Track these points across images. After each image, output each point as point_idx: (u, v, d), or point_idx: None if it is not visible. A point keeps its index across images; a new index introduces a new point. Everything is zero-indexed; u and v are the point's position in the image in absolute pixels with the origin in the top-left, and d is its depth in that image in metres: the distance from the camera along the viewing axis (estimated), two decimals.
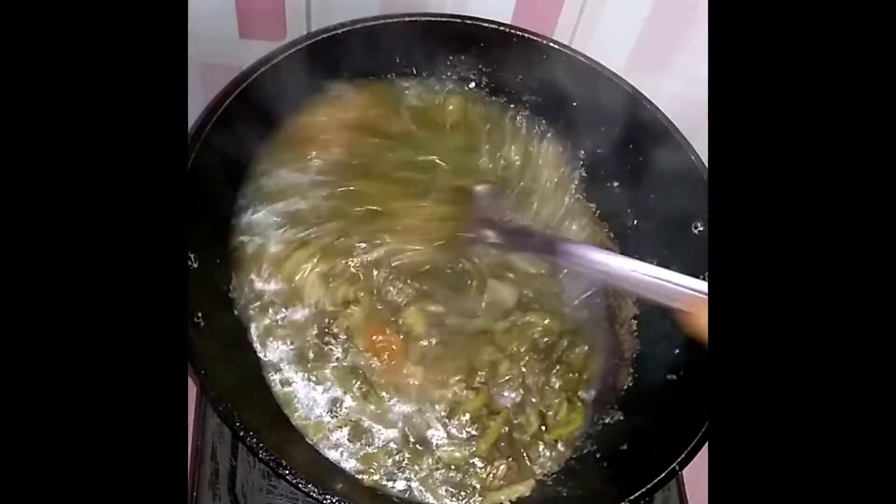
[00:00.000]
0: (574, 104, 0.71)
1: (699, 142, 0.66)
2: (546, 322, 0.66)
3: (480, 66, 0.72)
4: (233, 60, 0.83)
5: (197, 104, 0.87)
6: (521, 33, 0.69)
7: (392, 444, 0.61)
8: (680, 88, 0.85)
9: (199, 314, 0.56)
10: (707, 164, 0.58)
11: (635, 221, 0.72)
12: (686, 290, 0.51)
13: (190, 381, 0.64)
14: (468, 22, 0.68)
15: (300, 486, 0.50)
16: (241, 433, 0.51)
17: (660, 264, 0.67)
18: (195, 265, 0.58)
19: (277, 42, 0.81)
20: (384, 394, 0.62)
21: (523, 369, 0.65)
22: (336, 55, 0.66)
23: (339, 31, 0.65)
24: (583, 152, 0.74)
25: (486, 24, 0.68)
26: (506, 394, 0.64)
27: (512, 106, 0.74)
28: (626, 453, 0.60)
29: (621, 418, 0.64)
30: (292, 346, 0.63)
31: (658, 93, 0.70)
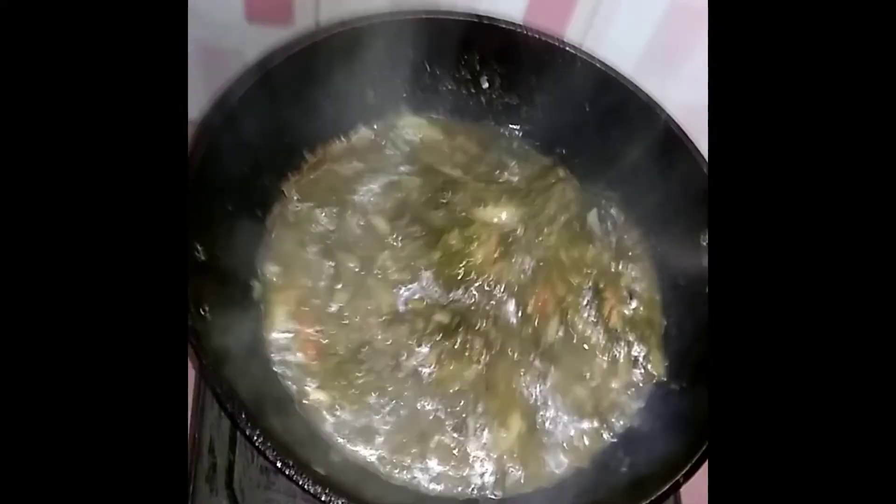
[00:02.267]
0: (586, 108, 0.70)
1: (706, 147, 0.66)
2: None
3: (494, 66, 0.71)
4: (238, 45, 0.81)
5: (199, 89, 0.85)
6: (537, 35, 0.68)
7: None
8: (689, 93, 0.85)
9: (206, 307, 0.55)
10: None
11: (644, 230, 0.72)
12: None
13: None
14: (485, 22, 0.67)
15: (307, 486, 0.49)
16: (248, 431, 0.50)
17: (667, 276, 0.69)
18: (202, 257, 0.56)
19: (284, 27, 0.80)
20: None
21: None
22: (350, 49, 0.65)
23: (355, 26, 0.64)
24: (595, 156, 0.74)
25: (503, 25, 0.67)
26: None
27: (525, 107, 0.73)
28: (629, 464, 0.61)
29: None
30: None
31: (667, 97, 0.70)
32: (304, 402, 0.61)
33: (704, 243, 0.65)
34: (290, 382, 0.61)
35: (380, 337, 0.63)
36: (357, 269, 0.65)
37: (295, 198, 0.68)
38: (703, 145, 0.67)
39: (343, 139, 0.72)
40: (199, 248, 0.56)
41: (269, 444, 0.50)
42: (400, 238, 0.67)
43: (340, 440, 0.60)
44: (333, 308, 0.64)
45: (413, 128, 0.74)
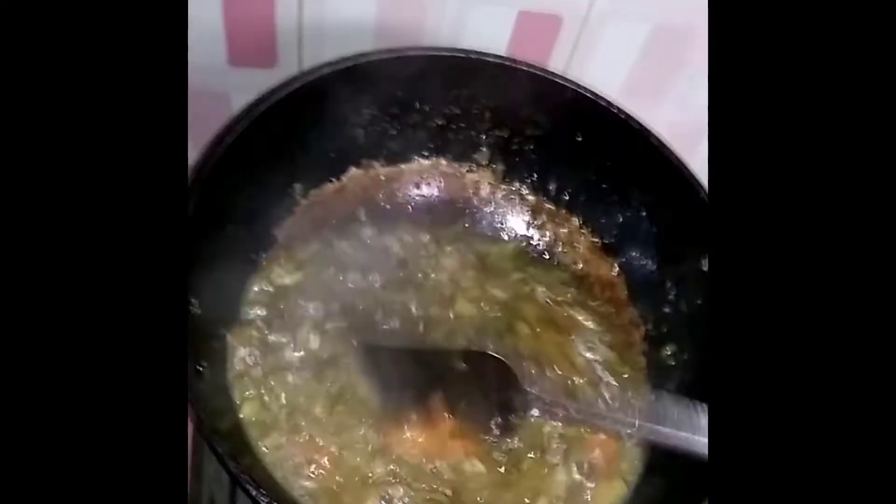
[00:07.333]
0: (578, 138, 0.70)
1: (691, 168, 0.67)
2: None
3: (483, 101, 0.71)
4: (221, 88, 0.81)
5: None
6: (524, 68, 0.68)
7: None
8: (673, 117, 0.86)
9: (203, 363, 0.53)
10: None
11: (641, 259, 0.71)
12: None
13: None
14: (472, 57, 0.66)
15: None
16: (253, 492, 0.48)
17: (664, 301, 0.69)
18: (198, 311, 0.55)
19: (267, 70, 0.79)
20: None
21: None
22: (337, 90, 0.65)
23: (339, 67, 0.63)
24: (589, 187, 0.73)
25: (489, 59, 0.67)
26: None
27: (515, 140, 0.73)
28: None
29: None
30: None
31: (653, 120, 0.70)
32: None
33: (703, 268, 0.65)
34: None
35: None
36: None
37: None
38: (690, 166, 0.67)
39: (334, 181, 0.71)
40: (193, 301, 0.55)
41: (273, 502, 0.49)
42: None
43: None
44: None
45: None
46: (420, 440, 0.60)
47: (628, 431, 0.60)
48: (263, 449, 0.57)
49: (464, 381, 0.61)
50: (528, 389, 0.61)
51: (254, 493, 0.48)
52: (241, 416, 0.58)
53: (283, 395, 0.60)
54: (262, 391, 0.60)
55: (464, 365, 0.62)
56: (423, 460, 0.59)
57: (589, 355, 0.68)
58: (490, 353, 0.62)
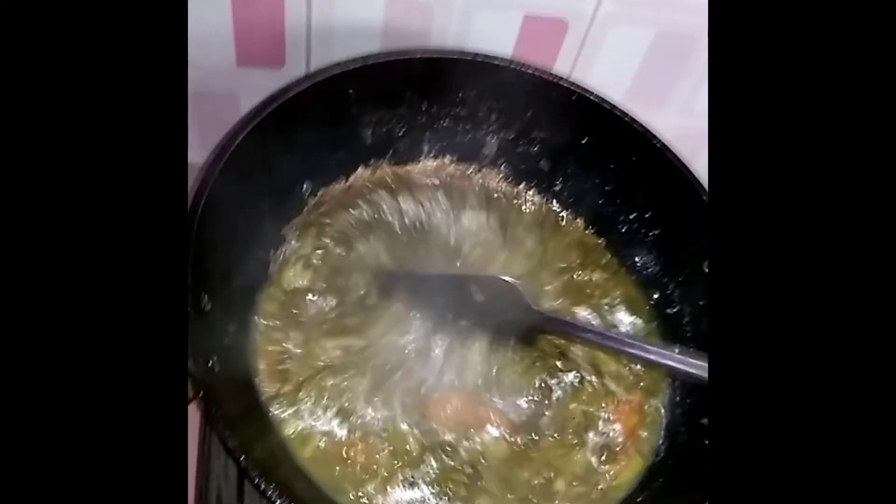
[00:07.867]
0: (583, 140, 0.71)
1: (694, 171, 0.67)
2: None
3: (489, 103, 0.72)
4: (229, 88, 0.82)
5: (193, 133, 0.85)
6: (529, 71, 0.68)
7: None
8: (676, 122, 0.87)
9: (214, 358, 0.54)
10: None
11: (643, 260, 0.72)
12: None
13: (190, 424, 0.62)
14: (479, 59, 0.67)
15: None
16: (262, 486, 0.49)
17: (669, 304, 0.70)
18: (208, 307, 0.56)
19: (275, 71, 0.80)
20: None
21: None
22: (345, 91, 0.66)
23: (347, 68, 0.64)
24: (594, 190, 0.74)
25: (496, 62, 0.68)
26: None
27: (521, 142, 0.74)
28: None
29: None
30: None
31: (656, 124, 0.71)
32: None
33: (706, 270, 0.65)
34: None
35: None
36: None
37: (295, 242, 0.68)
38: (693, 169, 0.68)
39: (342, 180, 0.72)
40: (205, 297, 0.56)
41: (284, 498, 0.49)
42: None
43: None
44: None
45: None
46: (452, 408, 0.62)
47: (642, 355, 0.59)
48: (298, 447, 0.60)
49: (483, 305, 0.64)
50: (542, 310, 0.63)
51: (262, 486, 0.49)
52: (272, 413, 0.60)
53: (313, 392, 0.62)
54: (292, 388, 0.62)
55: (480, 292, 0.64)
56: (448, 434, 0.61)
57: None
58: (503, 278, 0.64)
